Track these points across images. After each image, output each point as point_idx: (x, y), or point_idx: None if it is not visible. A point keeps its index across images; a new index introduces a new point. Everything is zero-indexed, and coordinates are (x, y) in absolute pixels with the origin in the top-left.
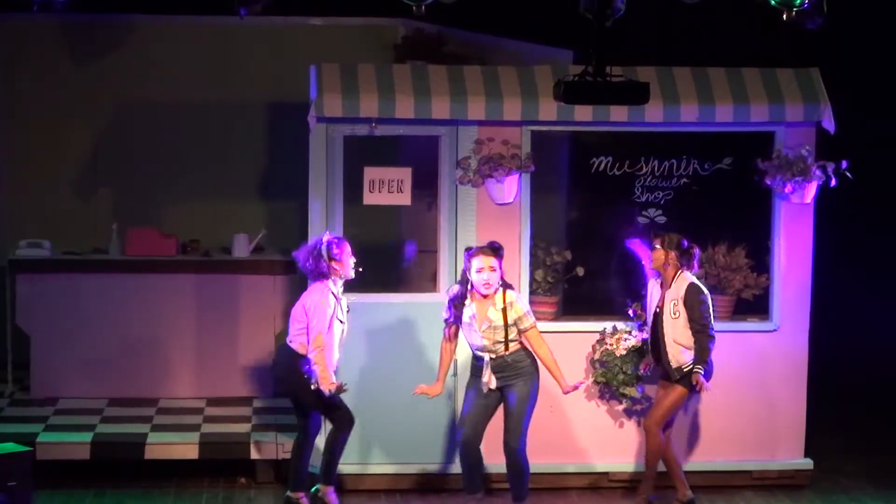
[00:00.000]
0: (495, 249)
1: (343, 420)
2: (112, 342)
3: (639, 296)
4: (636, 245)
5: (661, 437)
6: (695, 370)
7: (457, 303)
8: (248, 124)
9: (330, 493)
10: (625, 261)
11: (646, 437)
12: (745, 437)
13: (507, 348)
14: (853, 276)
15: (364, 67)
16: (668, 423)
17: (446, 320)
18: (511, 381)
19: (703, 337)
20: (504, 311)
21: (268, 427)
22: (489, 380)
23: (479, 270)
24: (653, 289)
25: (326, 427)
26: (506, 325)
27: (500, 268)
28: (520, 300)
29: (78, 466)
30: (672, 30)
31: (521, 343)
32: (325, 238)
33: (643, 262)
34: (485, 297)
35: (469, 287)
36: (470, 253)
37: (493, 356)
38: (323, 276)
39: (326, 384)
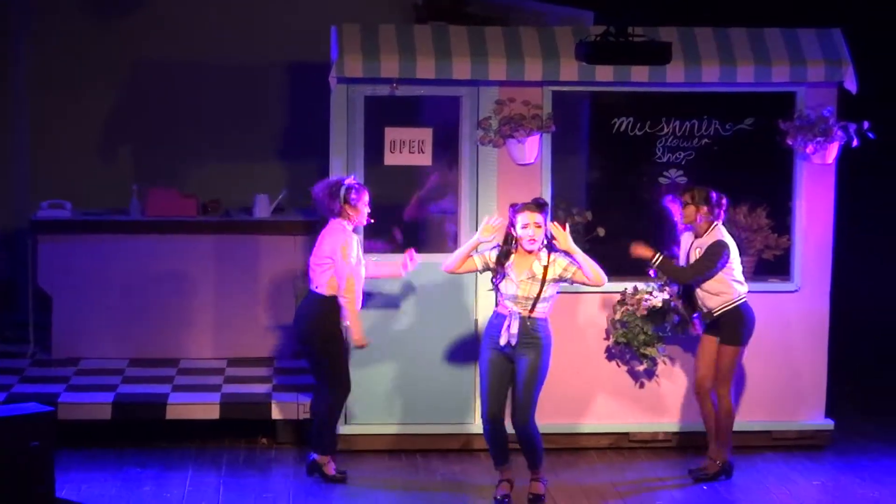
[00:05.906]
0: (540, 205)
1: (342, 386)
2: (133, 302)
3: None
4: (670, 202)
5: (732, 398)
6: (654, 260)
7: (501, 258)
8: (268, 85)
9: (329, 463)
10: (646, 221)
11: (717, 403)
12: (766, 397)
13: (532, 310)
14: (875, 236)
15: (385, 28)
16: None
17: (488, 250)
18: (524, 349)
19: (687, 274)
20: (546, 267)
21: (288, 387)
22: (510, 335)
23: (525, 226)
24: (685, 240)
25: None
26: (543, 282)
27: (546, 223)
28: (561, 256)
29: (99, 427)
30: None
31: (545, 313)
32: (347, 181)
33: (675, 219)
34: (529, 252)
35: (514, 244)
36: (515, 209)
37: (519, 313)
38: (333, 214)
39: (356, 336)
